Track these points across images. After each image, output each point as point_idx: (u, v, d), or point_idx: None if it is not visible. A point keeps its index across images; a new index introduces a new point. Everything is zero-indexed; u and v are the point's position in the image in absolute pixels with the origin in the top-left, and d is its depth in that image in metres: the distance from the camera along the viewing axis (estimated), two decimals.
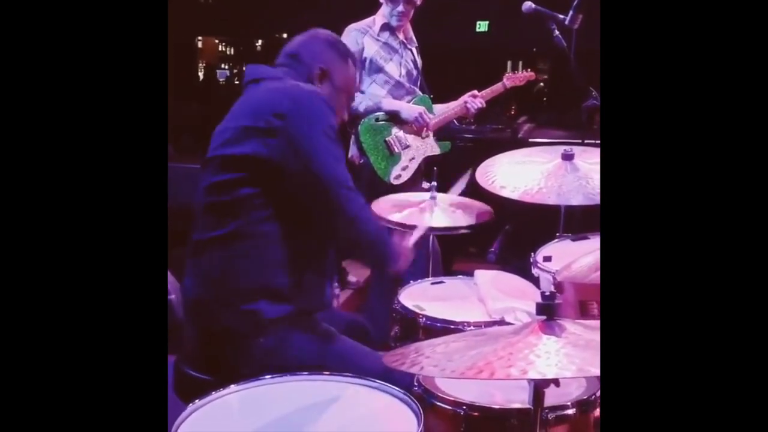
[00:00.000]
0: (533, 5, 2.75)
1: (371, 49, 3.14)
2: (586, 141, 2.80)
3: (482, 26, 5.19)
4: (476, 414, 1.49)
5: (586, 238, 2.38)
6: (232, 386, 1.48)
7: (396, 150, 3.18)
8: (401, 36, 3.22)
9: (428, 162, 3.28)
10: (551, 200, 2.07)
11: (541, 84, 5.82)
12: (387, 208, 2.46)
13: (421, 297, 2.20)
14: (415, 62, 3.28)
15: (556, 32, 2.66)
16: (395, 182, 3.15)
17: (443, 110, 3.32)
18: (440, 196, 2.52)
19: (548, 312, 1.24)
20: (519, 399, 1.49)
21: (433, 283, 2.38)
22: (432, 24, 3.55)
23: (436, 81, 3.44)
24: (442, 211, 2.46)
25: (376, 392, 1.47)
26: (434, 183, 2.52)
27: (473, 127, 4.49)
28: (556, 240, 2.39)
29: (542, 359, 1.12)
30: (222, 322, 1.78)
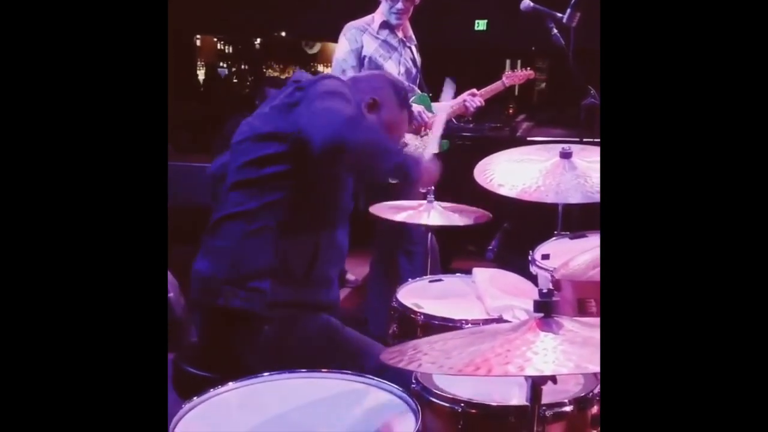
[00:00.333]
0: (531, 3, 2.76)
1: (370, 47, 3.14)
2: (584, 139, 2.81)
3: (481, 25, 5.20)
4: (474, 411, 1.50)
5: (584, 236, 2.39)
6: (231, 383, 1.48)
7: None
8: (400, 34, 3.22)
9: None
10: (549, 198, 2.07)
11: (543, 85, 5.83)
12: (385, 210, 2.47)
13: (419, 295, 2.20)
14: (414, 60, 3.28)
15: (555, 31, 2.67)
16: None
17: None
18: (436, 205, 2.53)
19: (546, 309, 1.24)
20: (517, 396, 1.50)
21: (431, 281, 2.39)
22: (430, 23, 3.56)
23: (435, 80, 3.43)
24: (439, 213, 2.47)
25: (373, 389, 1.48)
26: (431, 186, 2.52)
27: (471, 125, 4.50)
28: (554, 238, 2.40)
29: (540, 356, 1.12)
30: (229, 301, 1.79)
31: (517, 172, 2.20)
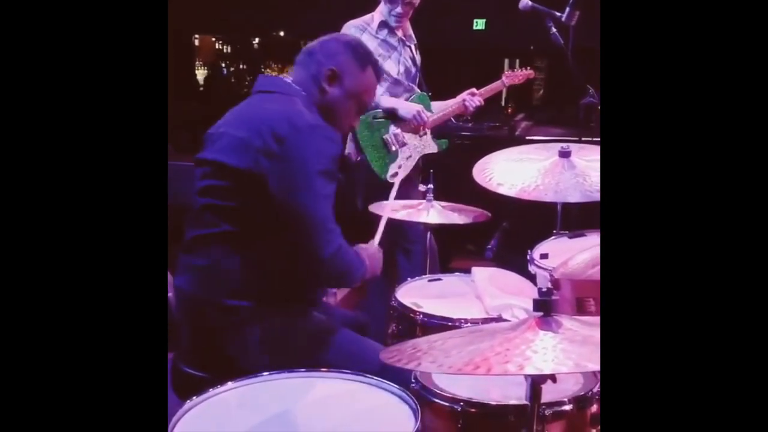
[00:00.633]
0: (530, 3, 2.76)
1: (369, 46, 3.13)
2: (583, 138, 2.81)
3: (479, 24, 5.18)
4: (473, 410, 1.50)
5: (582, 235, 2.39)
6: (230, 383, 1.48)
7: (393, 148, 3.18)
8: (400, 33, 3.21)
9: (426, 160, 3.28)
10: (548, 197, 2.07)
11: (541, 84, 5.83)
12: (384, 210, 2.47)
13: (418, 294, 2.20)
14: (413, 59, 3.28)
15: (553, 30, 2.67)
16: (392, 180, 3.15)
17: (441, 108, 3.32)
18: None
19: (545, 308, 1.24)
20: (516, 395, 1.50)
21: (430, 281, 2.39)
22: (429, 22, 3.55)
23: (434, 79, 3.44)
24: (438, 212, 2.47)
25: (373, 389, 1.48)
26: (431, 186, 2.53)
27: (470, 124, 4.50)
28: (553, 237, 2.40)
29: (539, 355, 1.13)
30: (210, 320, 1.79)
31: (516, 171, 2.20)
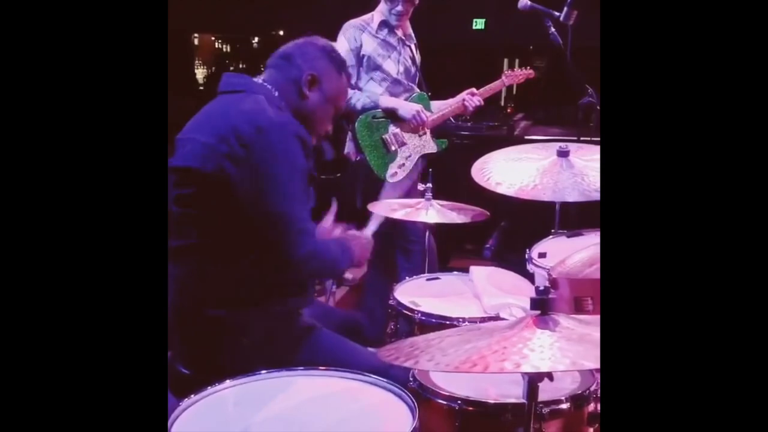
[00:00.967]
0: (529, 2, 2.76)
1: (369, 46, 3.14)
2: (581, 138, 2.82)
3: (479, 24, 5.19)
4: (471, 409, 1.50)
5: (580, 234, 2.40)
6: (227, 381, 1.49)
7: (392, 147, 3.18)
8: (400, 33, 3.21)
9: (425, 159, 3.28)
10: (546, 197, 2.08)
11: (540, 84, 5.83)
12: (383, 208, 2.48)
13: (416, 293, 2.21)
14: (413, 59, 3.28)
15: (552, 29, 2.68)
16: (391, 180, 3.15)
17: (441, 108, 3.32)
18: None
19: (542, 307, 1.24)
20: (513, 394, 1.50)
21: (428, 280, 2.39)
22: (428, 22, 3.55)
23: (433, 78, 3.44)
24: (437, 211, 2.48)
25: (371, 387, 1.48)
26: (429, 185, 2.53)
27: (469, 124, 4.50)
28: (551, 236, 2.40)
29: (536, 353, 1.13)
30: (194, 331, 1.78)
31: (515, 170, 2.20)
